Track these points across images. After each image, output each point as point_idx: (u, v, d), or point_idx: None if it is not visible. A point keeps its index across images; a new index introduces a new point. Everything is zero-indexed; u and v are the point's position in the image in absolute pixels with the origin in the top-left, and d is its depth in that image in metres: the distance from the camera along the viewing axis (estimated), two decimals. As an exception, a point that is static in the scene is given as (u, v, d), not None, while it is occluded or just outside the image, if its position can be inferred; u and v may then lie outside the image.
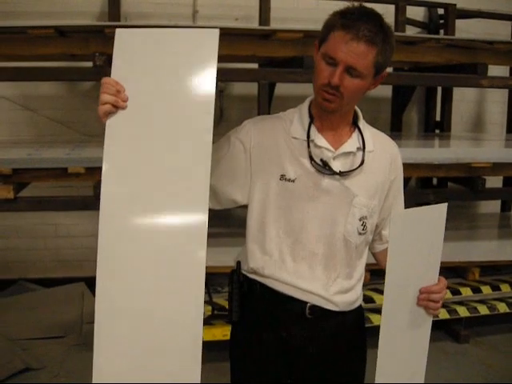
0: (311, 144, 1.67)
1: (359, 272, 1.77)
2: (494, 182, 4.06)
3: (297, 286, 1.68)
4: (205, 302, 3.90)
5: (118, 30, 1.39)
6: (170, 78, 1.40)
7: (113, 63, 1.42)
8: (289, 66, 3.72)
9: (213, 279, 4.00)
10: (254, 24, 4.43)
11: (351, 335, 1.81)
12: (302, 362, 1.75)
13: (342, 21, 1.52)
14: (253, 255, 1.73)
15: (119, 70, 1.42)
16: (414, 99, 5.45)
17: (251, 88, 4.62)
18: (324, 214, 1.66)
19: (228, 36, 3.46)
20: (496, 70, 4.44)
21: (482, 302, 4.18)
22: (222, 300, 3.67)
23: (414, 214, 1.54)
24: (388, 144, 1.79)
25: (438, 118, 5.49)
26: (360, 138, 1.71)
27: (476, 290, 4.16)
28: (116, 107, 1.43)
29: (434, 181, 5.24)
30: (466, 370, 3.78)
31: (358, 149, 1.70)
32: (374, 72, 1.58)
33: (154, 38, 1.41)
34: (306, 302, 1.69)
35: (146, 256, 1.41)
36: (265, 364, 1.77)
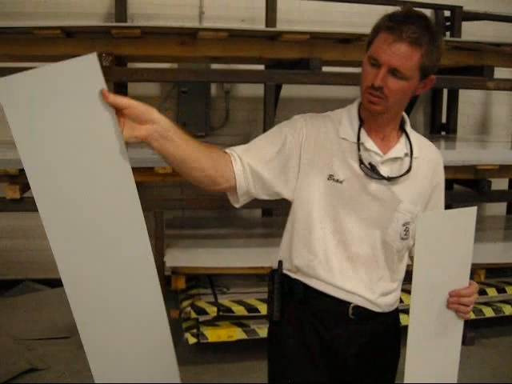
0: (361, 147, 1.67)
1: (400, 275, 1.80)
2: (500, 184, 4.05)
3: (341, 287, 1.69)
4: (210, 303, 3.91)
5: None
6: (66, 117, 1.29)
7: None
8: (295, 68, 3.72)
9: (218, 280, 4.01)
10: (260, 25, 4.43)
11: (389, 336, 1.83)
12: (342, 363, 1.76)
13: (387, 23, 1.53)
14: (298, 253, 1.73)
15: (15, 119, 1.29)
16: (420, 101, 5.45)
17: (257, 89, 4.62)
18: (369, 218, 1.68)
19: (234, 37, 3.47)
20: (502, 73, 4.43)
21: (487, 304, 4.17)
22: (227, 301, 3.68)
23: (441, 216, 1.56)
24: (431, 150, 1.79)
25: (443, 120, 5.48)
26: (408, 143, 1.72)
27: (481, 293, 4.14)
28: None
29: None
30: (472, 372, 3.77)
31: (406, 154, 1.70)
32: (420, 75, 1.58)
33: (36, 78, 1.26)
34: (350, 303, 1.71)
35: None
36: (305, 364, 1.78)
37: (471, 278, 4.20)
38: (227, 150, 1.64)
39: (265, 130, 3.87)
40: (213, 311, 3.60)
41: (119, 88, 4.69)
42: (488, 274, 4.26)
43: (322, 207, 1.68)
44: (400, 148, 1.70)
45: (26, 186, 3.27)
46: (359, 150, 1.66)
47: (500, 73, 4.20)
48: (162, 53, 3.54)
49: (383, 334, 1.79)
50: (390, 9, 1.61)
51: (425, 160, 1.74)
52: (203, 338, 3.58)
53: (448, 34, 5.22)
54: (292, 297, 1.77)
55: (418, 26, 1.51)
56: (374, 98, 1.58)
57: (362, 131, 1.69)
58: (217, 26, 3.59)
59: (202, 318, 3.64)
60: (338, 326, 1.73)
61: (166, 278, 3.66)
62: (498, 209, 5.62)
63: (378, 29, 1.57)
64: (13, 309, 4.41)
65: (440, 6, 5.15)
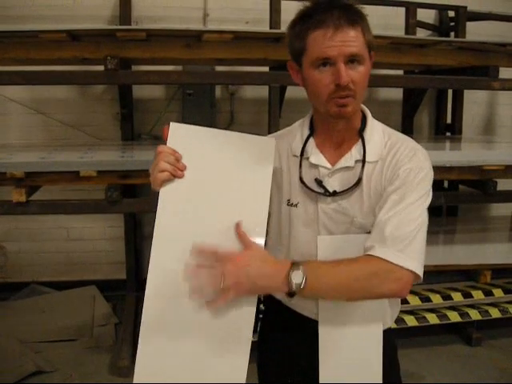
0: (304, 163, 1.54)
1: None
2: (506, 184, 4.03)
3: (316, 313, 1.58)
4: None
5: (172, 124, 1.43)
6: (225, 166, 1.43)
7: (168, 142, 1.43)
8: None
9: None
10: (265, 27, 4.43)
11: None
12: None
13: (311, 21, 1.38)
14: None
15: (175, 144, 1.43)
16: (425, 102, 5.43)
17: (262, 91, 4.62)
18: None
19: (239, 39, 3.47)
20: (507, 72, 4.42)
21: (493, 304, 4.16)
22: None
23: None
24: (398, 148, 1.49)
25: (448, 121, 5.47)
26: (362, 147, 1.50)
27: (488, 293, 4.14)
28: (173, 176, 1.39)
29: (445, 183, 5.22)
30: (479, 372, 3.76)
31: (357, 161, 1.49)
32: (368, 52, 1.42)
33: (209, 134, 1.45)
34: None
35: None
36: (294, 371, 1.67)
37: (477, 278, 4.12)
38: None
39: (269, 132, 3.87)
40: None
41: (124, 90, 4.70)
42: (494, 275, 4.26)
43: (285, 235, 1.60)
44: (351, 156, 1.50)
45: (31, 189, 3.28)
46: (300, 166, 1.53)
47: (505, 73, 4.19)
48: (166, 55, 3.55)
49: None
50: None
51: (388, 161, 1.48)
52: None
53: (452, 34, 5.22)
54: (270, 315, 1.71)
55: (342, 6, 1.37)
56: (345, 100, 1.39)
57: (311, 144, 1.55)
58: (221, 28, 3.58)
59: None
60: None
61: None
62: (504, 210, 5.60)
63: (303, 33, 1.41)
64: (19, 311, 4.42)
65: (444, 7, 5.15)
